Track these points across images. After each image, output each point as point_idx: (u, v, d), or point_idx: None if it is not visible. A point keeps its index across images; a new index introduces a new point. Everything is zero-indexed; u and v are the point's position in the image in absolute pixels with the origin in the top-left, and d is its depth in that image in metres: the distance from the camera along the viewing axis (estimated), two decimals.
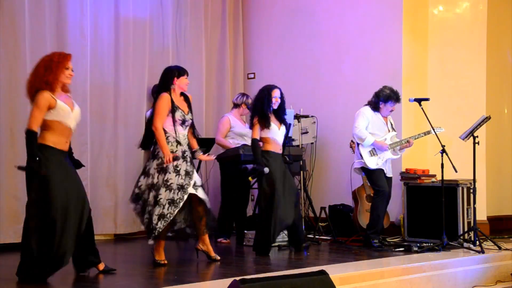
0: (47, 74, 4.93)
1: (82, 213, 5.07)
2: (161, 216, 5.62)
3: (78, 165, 5.29)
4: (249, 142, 7.55)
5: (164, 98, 5.74)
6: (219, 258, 6.00)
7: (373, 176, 7.01)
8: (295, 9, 9.06)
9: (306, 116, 8.23)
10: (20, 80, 6.94)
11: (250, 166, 7.64)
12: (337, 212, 7.95)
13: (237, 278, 4.01)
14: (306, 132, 7.91)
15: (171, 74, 5.84)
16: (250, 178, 6.95)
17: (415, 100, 7.00)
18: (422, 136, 7.12)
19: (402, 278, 5.61)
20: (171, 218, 5.63)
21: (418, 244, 6.72)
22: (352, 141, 7.78)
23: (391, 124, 7.19)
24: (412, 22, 8.20)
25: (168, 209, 5.63)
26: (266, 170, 6.41)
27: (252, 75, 9.43)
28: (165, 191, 5.64)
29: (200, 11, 8.86)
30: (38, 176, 4.88)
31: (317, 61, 8.81)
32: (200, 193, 5.77)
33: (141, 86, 8.11)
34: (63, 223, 4.91)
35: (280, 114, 6.62)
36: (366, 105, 7.12)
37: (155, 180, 5.69)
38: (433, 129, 6.93)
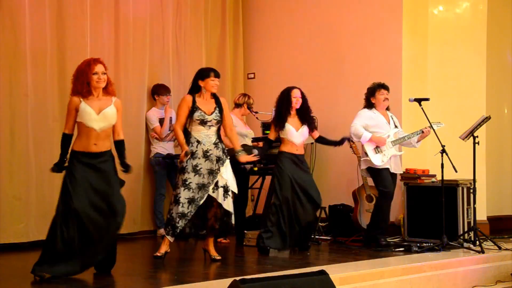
0: (76, 82, 5.19)
1: (95, 219, 5.10)
2: (182, 215, 5.78)
3: (127, 167, 5.40)
4: (249, 142, 7.58)
5: (183, 100, 5.99)
6: (219, 257, 6.01)
7: (379, 176, 6.98)
8: (295, 9, 9.06)
9: None
10: (20, 80, 6.95)
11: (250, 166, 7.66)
12: (337, 212, 7.94)
13: (237, 278, 4.01)
14: None
15: (196, 76, 6.04)
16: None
17: (415, 100, 7.00)
18: (419, 133, 7.07)
19: (402, 278, 5.61)
20: (191, 216, 5.79)
21: (418, 244, 6.73)
22: (352, 141, 7.78)
23: (394, 122, 7.18)
24: (412, 22, 8.20)
25: (188, 208, 5.78)
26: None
27: (252, 75, 9.43)
28: (184, 190, 5.78)
29: (200, 11, 8.86)
30: (65, 177, 5.12)
31: (317, 61, 8.81)
32: (218, 195, 5.84)
33: (141, 86, 8.11)
34: (70, 225, 5.00)
35: (304, 113, 6.73)
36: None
37: (176, 179, 5.88)
38: (431, 126, 6.92)
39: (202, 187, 5.80)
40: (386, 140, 6.99)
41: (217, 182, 5.86)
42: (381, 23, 8.25)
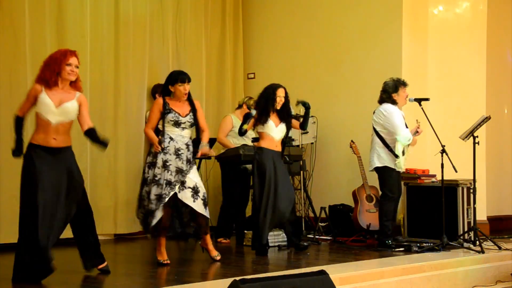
0: (44, 71, 5.03)
1: (64, 213, 5.03)
2: (151, 212, 5.68)
3: (103, 143, 5.24)
4: (249, 142, 7.58)
5: (155, 103, 5.91)
6: (219, 257, 6.00)
7: (391, 180, 6.87)
8: (295, 9, 9.06)
9: None
10: (20, 80, 6.95)
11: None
12: (337, 212, 7.95)
13: (237, 278, 4.01)
14: (306, 132, 7.91)
15: (167, 79, 5.94)
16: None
17: (415, 100, 6.98)
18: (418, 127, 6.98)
19: (402, 278, 5.61)
20: (158, 213, 5.66)
21: (418, 244, 6.73)
22: (352, 141, 7.78)
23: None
24: (412, 22, 8.20)
25: (156, 205, 5.67)
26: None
27: (252, 75, 9.43)
28: (154, 185, 5.69)
29: (200, 11, 8.86)
30: (24, 172, 4.99)
31: (317, 61, 8.81)
32: (185, 196, 5.72)
33: (141, 86, 8.11)
34: (37, 219, 4.87)
35: (283, 113, 6.63)
36: (381, 103, 6.94)
37: (146, 175, 5.78)
38: (427, 119, 6.89)
39: (168, 184, 5.68)
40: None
41: (184, 183, 5.73)
42: (381, 23, 8.25)
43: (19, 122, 5.11)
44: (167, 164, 5.72)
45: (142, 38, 8.15)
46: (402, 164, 6.86)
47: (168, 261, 5.78)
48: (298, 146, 8.04)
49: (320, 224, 7.77)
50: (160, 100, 5.85)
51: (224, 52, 9.20)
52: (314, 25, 8.86)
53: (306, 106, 6.70)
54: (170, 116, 5.78)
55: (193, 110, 5.91)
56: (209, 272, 5.69)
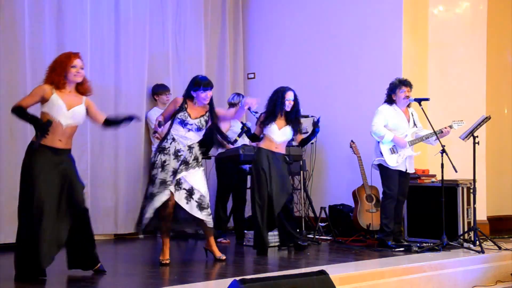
0: (53, 75, 5.06)
1: (63, 215, 5.07)
2: (143, 208, 5.78)
3: (128, 119, 5.40)
4: (247, 141, 7.58)
5: (173, 100, 5.99)
6: (224, 257, 6.01)
7: (387, 177, 6.89)
8: (295, 9, 9.06)
9: (306, 116, 8.21)
10: (20, 80, 6.95)
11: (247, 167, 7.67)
12: (337, 212, 7.94)
13: (237, 278, 4.01)
14: (306, 132, 7.90)
15: (190, 84, 5.95)
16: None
17: (415, 100, 6.97)
18: (439, 133, 6.93)
19: (402, 278, 5.61)
20: (150, 211, 5.72)
21: (418, 244, 6.73)
22: (352, 141, 7.78)
23: (414, 120, 7.05)
24: (412, 22, 8.20)
25: (148, 202, 5.75)
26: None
27: (252, 75, 9.44)
28: (151, 184, 5.78)
29: (200, 11, 8.86)
30: (24, 172, 5.00)
31: (317, 61, 8.81)
32: (178, 196, 5.74)
33: (141, 86, 8.11)
34: (39, 222, 4.94)
35: (291, 116, 6.66)
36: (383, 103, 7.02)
37: (151, 174, 5.84)
38: (435, 133, 6.87)
39: (163, 183, 5.72)
40: (407, 143, 6.86)
41: (180, 184, 5.75)
42: (381, 23, 8.25)
43: (23, 110, 5.01)
44: (165, 164, 5.77)
45: (142, 38, 8.15)
46: (394, 162, 6.84)
47: (168, 261, 5.78)
48: (298, 146, 8.02)
49: (320, 224, 7.77)
50: (178, 100, 5.91)
51: (224, 52, 9.20)
52: (314, 25, 8.86)
53: (316, 129, 6.76)
54: (180, 114, 5.83)
55: (211, 113, 5.95)
56: (209, 272, 5.69)
